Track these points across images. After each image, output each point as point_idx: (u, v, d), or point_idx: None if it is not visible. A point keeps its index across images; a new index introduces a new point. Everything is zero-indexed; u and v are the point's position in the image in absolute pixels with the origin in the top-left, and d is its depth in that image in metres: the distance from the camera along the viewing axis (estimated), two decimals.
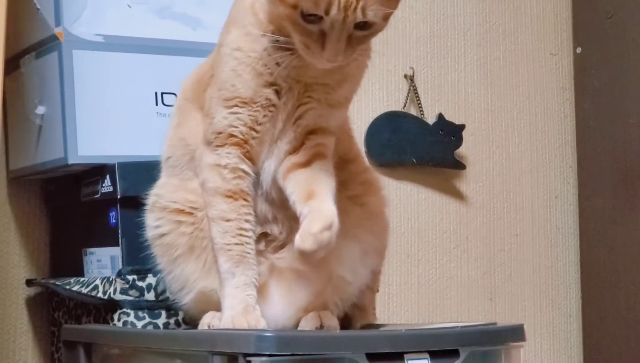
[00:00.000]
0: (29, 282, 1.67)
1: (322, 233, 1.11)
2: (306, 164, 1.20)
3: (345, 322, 1.31)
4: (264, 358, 0.97)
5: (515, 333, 1.18)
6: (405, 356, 1.05)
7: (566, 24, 2.42)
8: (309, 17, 1.08)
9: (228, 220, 1.19)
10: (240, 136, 1.19)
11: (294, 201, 1.17)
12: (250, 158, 1.20)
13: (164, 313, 1.42)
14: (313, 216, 1.12)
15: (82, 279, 1.50)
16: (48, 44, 1.52)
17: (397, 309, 2.13)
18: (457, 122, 2.19)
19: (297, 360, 1.00)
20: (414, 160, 2.13)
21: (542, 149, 2.38)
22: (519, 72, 2.37)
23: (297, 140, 1.21)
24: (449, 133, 2.17)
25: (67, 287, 1.50)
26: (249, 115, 1.18)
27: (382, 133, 2.11)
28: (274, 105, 1.18)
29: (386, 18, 1.10)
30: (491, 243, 2.28)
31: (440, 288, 2.20)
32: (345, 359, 1.04)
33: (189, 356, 1.12)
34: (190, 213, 1.25)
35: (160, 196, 1.29)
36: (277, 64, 1.15)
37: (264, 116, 1.18)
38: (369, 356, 1.03)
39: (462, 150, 2.22)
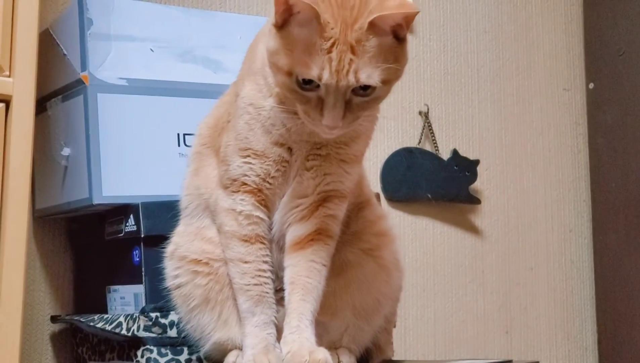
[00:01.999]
0: (54, 318, 1.70)
1: None
2: (304, 244, 1.22)
3: (362, 360, 1.34)
4: None
5: None
6: None
7: (579, 60, 2.46)
8: (305, 85, 1.09)
9: (246, 262, 1.23)
10: (254, 185, 1.22)
11: (287, 300, 1.21)
12: (265, 205, 1.23)
13: (186, 349, 1.45)
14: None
15: (106, 316, 1.53)
16: (74, 88, 1.56)
17: (413, 343, 2.14)
18: (471, 157, 2.23)
19: None
20: (429, 195, 2.16)
21: (556, 184, 2.41)
22: (533, 108, 2.40)
23: (308, 199, 1.23)
24: (464, 168, 2.20)
25: (92, 324, 1.54)
26: (261, 167, 1.21)
27: (397, 169, 2.14)
28: (287, 161, 1.21)
29: (386, 82, 1.10)
30: (507, 276, 2.30)
31: (456, 321, 2.21)
32: None
33: None
34: (207, 264, 1.28)
35: (179, 245, 1.32)
36: (285, 125, 1.18)
37: (277, 170, 1.21)
38: None
39: (477, 185, 2.25)
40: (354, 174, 1.25)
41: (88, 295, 1.71)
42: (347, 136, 1.21)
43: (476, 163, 2.22)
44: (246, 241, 1.23)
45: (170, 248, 1.33)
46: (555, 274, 2.38)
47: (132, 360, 1.46)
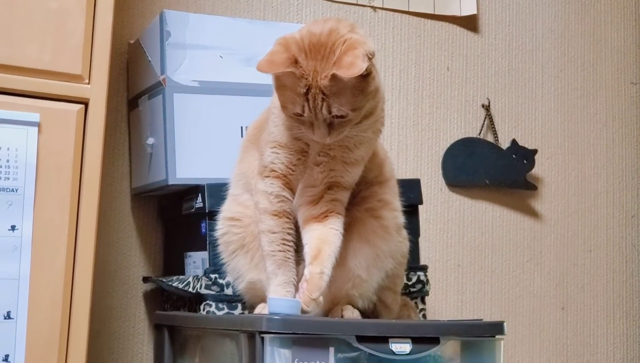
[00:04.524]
0: (145, 279, 2.03)
1: (318, 297, 1.43)
2: (321, 218, 1.51)
3: (373, 317, 1.60)
4: (272, 335, 1.29)
5: (495, 328, 1.43)
6: (390, 340, 1.33)
7: None
8: (296, 115, 1.42)
9: (274, 233, 1.53)
10: (280, 171, 1.52)
11: (305, 252, 1.50)
12: (290, 187, 1.54)
13: (239, 305, 1.75)
14: (314, 283, 1.43)
15: (181, 277, 1.85)
16: (156, 88, 1.87)
17: (470, 315, 2.34)
18: (532, 147, 2.41)
19: (299, 338, 1.30)
20: (487, 181, 2.36)
21: (619, 172, 2.53)
22: (597, 101, 2.54)
23: (316, 188, 1.52)
24: (522, 157, 2.39)
25: (170, 283, 1.86)
26: (285, 156, 1.51)
27: (457, 157, 2.36)
28: (306, 152, 1.51)
29: (355, 109, 1.40)
30: (564, 257, 2.46)
31: (512, 297, 2.39)
32: (340, 339, 1.33)
33: (230, 334, 1.45)
34: (239, 219, 1.63)
35: (224, 210, 1.68)
36: (299, 127, 1.47)
37: (298, 159, 1.52)
38: (358, 338, 1.32)
39: (537, 172, 2.42)
40: (354, 174, 1.54)
41: (172, 259, 2.04)
42: (351, 143, 1.50)
43: (534, 152, 2.39)
44: (275, 215, 1.53)
45: (219, 215, 1.68)
46: (615, 257, 2.50)
47: (197, 313, 1.77)
